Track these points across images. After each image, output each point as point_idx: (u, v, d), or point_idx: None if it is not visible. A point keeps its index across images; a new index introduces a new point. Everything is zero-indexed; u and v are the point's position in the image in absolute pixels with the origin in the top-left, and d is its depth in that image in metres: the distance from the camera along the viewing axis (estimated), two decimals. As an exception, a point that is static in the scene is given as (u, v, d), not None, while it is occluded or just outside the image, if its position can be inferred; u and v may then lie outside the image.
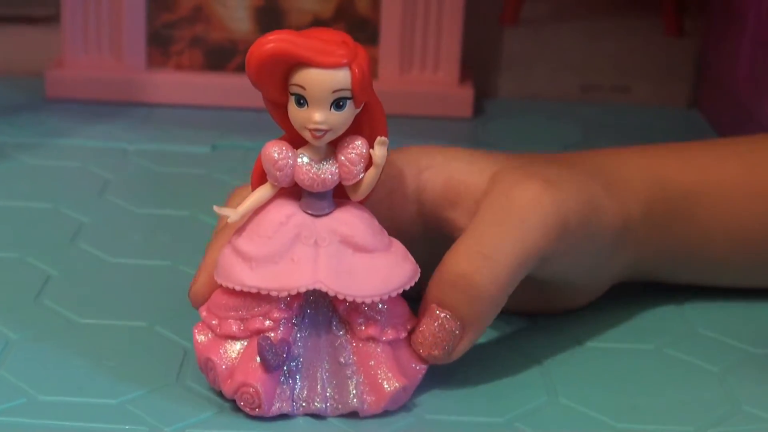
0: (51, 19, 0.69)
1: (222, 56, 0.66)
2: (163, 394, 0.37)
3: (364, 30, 0.65)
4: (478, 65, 0.68)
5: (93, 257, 0.46)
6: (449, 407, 0.37)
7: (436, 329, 0.37)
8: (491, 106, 0.68)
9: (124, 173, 0.56)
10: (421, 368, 0.37)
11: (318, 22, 0.65)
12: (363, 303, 0.36)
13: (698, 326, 0.43)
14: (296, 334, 0.37)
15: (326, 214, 0.37)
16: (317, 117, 0.35)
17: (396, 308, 0.37)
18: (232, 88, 0.65)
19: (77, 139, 0.59)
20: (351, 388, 0.37)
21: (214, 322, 0.37)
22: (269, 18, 0.65)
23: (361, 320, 0.37)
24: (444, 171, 0.41)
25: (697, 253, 0.44)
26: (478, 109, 0.67)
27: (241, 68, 0.66)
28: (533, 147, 0.61)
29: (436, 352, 0.37)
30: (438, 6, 0.65)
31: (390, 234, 0.38)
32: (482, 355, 0.40)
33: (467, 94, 0.66)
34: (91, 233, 0.48)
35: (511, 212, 0.38)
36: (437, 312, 0.37)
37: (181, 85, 0.65)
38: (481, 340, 0.40)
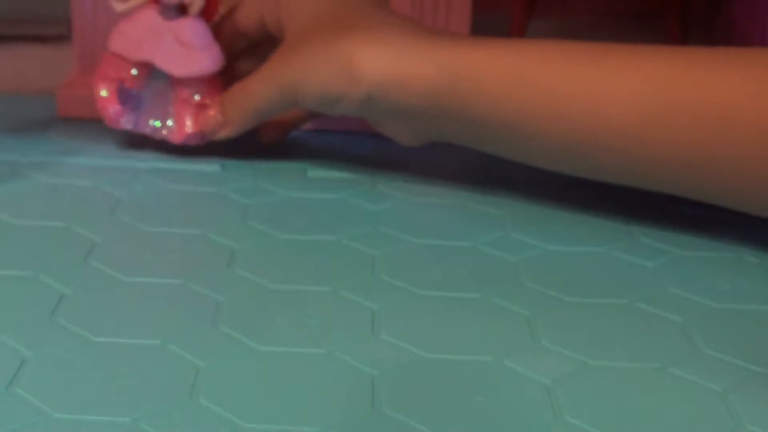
0: (62, 38, 0.70)
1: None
2: (176, 412, 0.37)
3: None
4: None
5: (106, 276, 0.47)
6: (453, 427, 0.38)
7: (213, 116, 0.59)
8: (497, 124, 0.69)
9: (135, 192, 0.56)
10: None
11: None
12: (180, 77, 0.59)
13: (703, 346, 0.44)
14: (145, 86, 0.60)
15: (172, 19, 0.59)
16: None
17: (205, 84, 0.59)
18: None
19: (88, 158, 0.60)
20: (168, 126, 0.60)
21: (103, 69, 0.61)
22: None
23: (182, 87, 0.59)
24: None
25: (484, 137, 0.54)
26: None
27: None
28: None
29: (205, 129, 0.59)
30: (445, 24, 0.66)
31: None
32: (488, 375, 0.41)
33: (473, 113, 0.67)
34: (104, 252, 0.49)
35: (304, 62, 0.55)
36: (218, 107, 0.59)
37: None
38: (487, 358, 0.41)
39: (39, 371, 0.39)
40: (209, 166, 0.60)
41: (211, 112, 0.59)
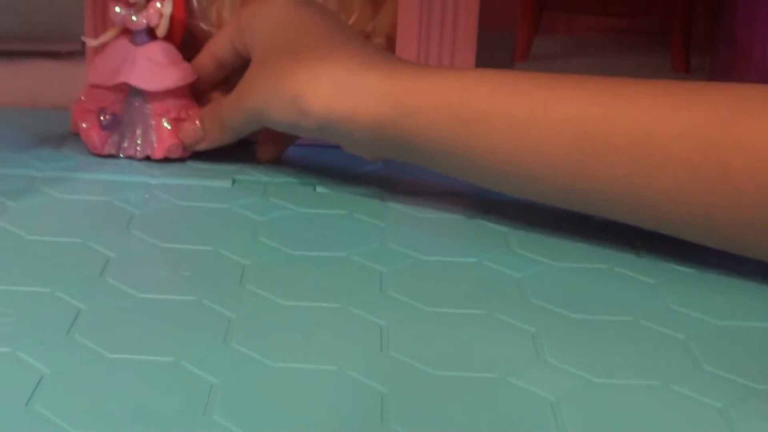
0: (75, 54, 0.71)
1: (241, 91, 0.68)
2: (190, 429, 0.38)
3: (379, 67, 0.67)
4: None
5: (121, 292, 0.48)
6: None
7: (191, 128, 0.63)
8: (503, 139, 0.70)
9: (148, 207, 0.58)
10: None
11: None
12: (155, 92, 0.63)
13: (704, 362, 0.45)
14: (123, 110, 0.64)
15: (143, 44, 0.64)
16: None
17: (179, 100, 0.64)
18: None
19: (102, 173, 0.62)
20: (150, 141, 0.64)
21: (82, 103, 0.65)
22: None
23: (158, 103, 0.63)
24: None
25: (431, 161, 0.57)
26: (490, 142, 0.69)
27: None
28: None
29: (185, 140, 0.63)
30: (451, 43, 0.67)
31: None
32: (493, 392, 0.42)
33: (479, 128, 0.68)
34: (119, 268, 0.50)
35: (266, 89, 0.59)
36: (197, 121, 0.63)
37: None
38: (492, 375, 0.42)
39: (57, 388, 0.40)
40: (220, 182, 0.61)
41: (192, 125, 0.63)
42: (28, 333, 0.44)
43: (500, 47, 0.69)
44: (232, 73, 0.64)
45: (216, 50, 0.64)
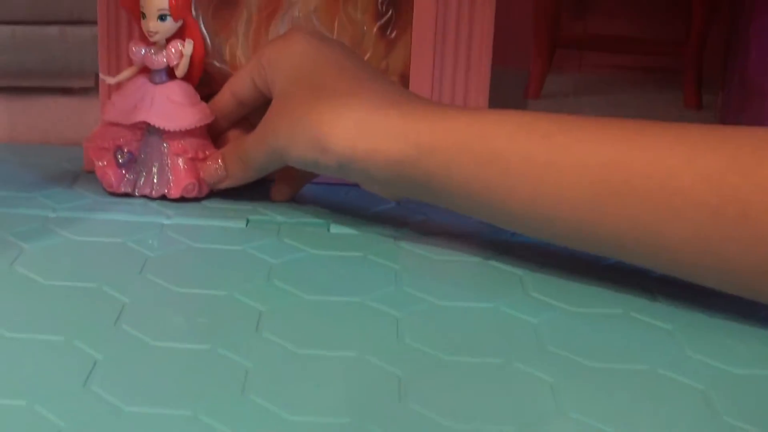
0: (88, 90, 0.71)
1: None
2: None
3: (392, 105, 0.68)
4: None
5: (136, 340, 0.48)
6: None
7: (213, 167, 0.63)
8: (515, 175, 0.70)
9: (162, 249, 0.58)
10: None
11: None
12: (173, 131, 0.63)
13: (723, 413, 0.44)
14: (140, 149, 0.64)
15: (161, 83, 0.64)
16: (150, 26, 0.63)
17: (197, 139, 0.64)
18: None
19: (115, 213, 0.62)
20: (166, 180, 0.64)
21: (97, 141, 0.64)
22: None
23: (175, 142, 0.64)
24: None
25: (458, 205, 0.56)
26: (503, 179, 0.69)
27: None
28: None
29: (208, 180, 0.64)
30: (464, 81, 0.67)
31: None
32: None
33: (492, 166, 0.68)
34: (134, 314, 0.50)
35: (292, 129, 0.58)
36: (219, 160, 0.63)
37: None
38: (510, 428, 0.42)
39: (75, 442, 0.40)
40: (234, 222, 0.61)
41: (214, 164, 0.63)
42: (44, 384, 0.44)
43: (513, 84, 0.69)
44: (252, 112, 0.64)
45: (236, 88, 0.64)
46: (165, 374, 0.46)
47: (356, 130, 0.56)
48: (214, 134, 0.65)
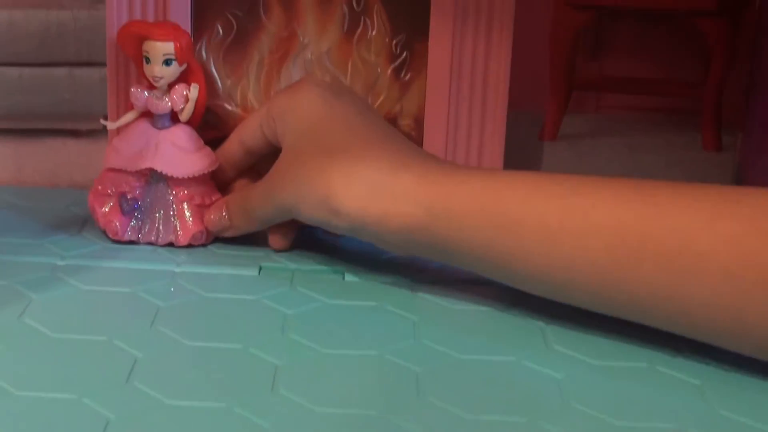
0: (96, 132, 0.70)
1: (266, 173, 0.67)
2: None
3: (407, 148, 0.66)
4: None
5: (149, 398, 0.46)
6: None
7: (218, 216, 0.62)
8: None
9: (173, 299, 0.56)
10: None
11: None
12: (179, 178, 0.62)
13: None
14: (145, 195, 0.63)
15: (165, 128, 0.62)
16: (155, 70, 0.61)
17: (203, 186, 0.63)
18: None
19: (125, 262, 0.60)
20: (172, 228, 0.62)
21: (99, 187, 0.63)
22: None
23: (181, 189, 0.62)
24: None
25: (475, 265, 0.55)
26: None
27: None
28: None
29: (211, 228, 0.63)
30: (480, 123, 0.66)
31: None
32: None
33: (509, 210, 0.66)
34: (147, 370, 0.49)
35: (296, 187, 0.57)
36: (224, 209, 0.62)
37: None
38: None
39: None
40: (246, 270, 0.60)
41: (219, 213, 0.62)
42: (56, 446, 0.43)
43: (528, 126, 0.68)
44: (260, 160, 0.63)
45: (245, 137, 0.63)
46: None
47: (367, 193, 0.55)
48: (220, 182, 0.64)
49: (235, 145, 0.63)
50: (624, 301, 0.51)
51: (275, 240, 0.63)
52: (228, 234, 0.63)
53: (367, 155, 0.56)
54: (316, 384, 0.48)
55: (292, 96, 0.60)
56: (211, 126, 0.65)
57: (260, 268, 0.60)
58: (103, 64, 0.66)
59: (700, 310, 0.49)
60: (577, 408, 0.47)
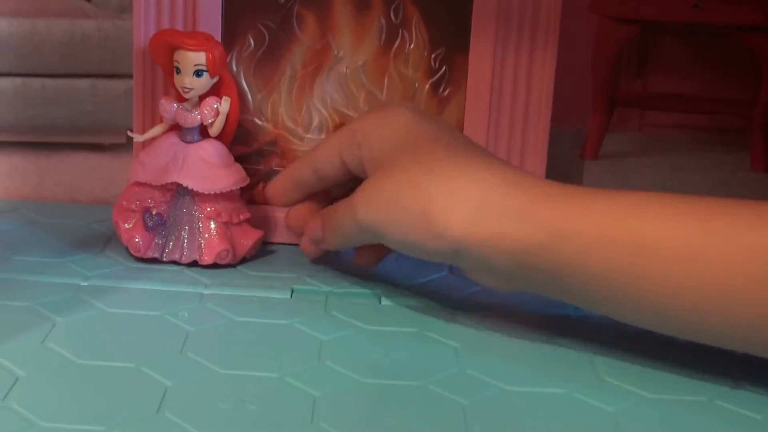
0: (119, 147, 0.68)
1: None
2: None
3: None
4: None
5: (183, 431, 0.44)
6: None
7: (315, 227, 0.58)
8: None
9: (202, 324, 0.53)
10: (246, 244, 0.61)
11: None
12: (206, 194, 0.59)
13: None
14: (170, 211, 0.60)
15: (194, 142, 0.60)
16: (186, 81, 0.59)
17: (231, 203, 0.60)
18: (308, 224, 0.64)
19: (151, 283, 0.58)
20: (197, 246, 0.60)
21: (124, 202, 0.61)
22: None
23: (207, 205, 0.60)
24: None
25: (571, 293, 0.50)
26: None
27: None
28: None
29: (311, 236, 0.58)
30: (521, 142, 0.63)
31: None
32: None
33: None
34: (177, 400, 0.46)
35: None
36: (321, 221, 0.57)
37: (256, 220, 0.63)
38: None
39: None
40: (277, 293, 0.57)
41: (316, 224, 0.58)
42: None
43: (569, 144, 0.66)
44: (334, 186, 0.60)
45: (320, 165, 0.58)
46: (215, 472, 0.41)
47: (474, 212, 0.50)
48: (284, 204, 0.61)
49: (307, 172, 0.59)
50: (761, 327, 0.46)
51: (362, 255, 0.59)
52: (324, 247, 0.58)
53: (472, 172, 0.51)
54: (356, 416, 0.46)
55: (381, 118, 0.56)
56: (239, 141, 0.63)
57: (292, 291, 0.58)
58: (127, 76, 0.64)
59: None
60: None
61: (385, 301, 0.57)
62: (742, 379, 0.50)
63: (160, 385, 0.47)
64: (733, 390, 0.50)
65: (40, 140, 0.68)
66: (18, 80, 0.66)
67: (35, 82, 0.67)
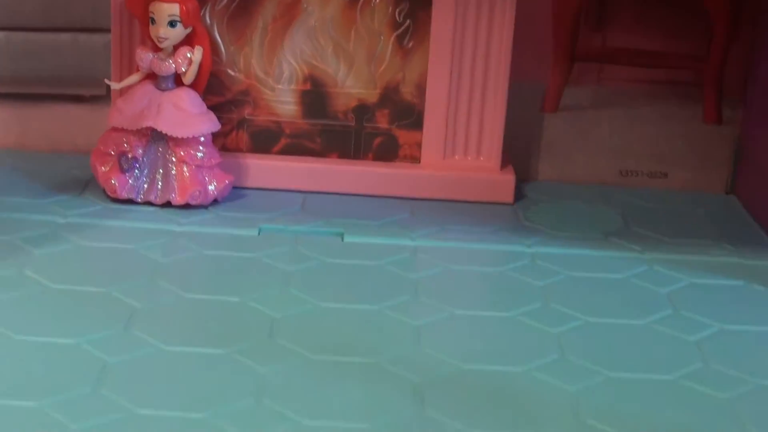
0: (99, 98, 0.70)
1: (268, 139, 0.67)
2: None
3: (408, 116, 0.67)
4: (519, 150, 0.69)
5: (147, 344, 0.47)
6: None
7: None
8: (531, 190, 0.69)
9: (173, 256, 0.56)
10: (217, 186, 0.63)
11: (363, 107, 0.66)
12: (180, 138, 0.62)
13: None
14: (145, 155, 0.63)
15: (168, 90, 0.63)
16: (160, 31, 0.62)
17: (203, 147, 0.63)
18: (278, 171, 0.66)
19: (127, 221, 0.60)
20: (171, 187, 0.63)
21: (101, 147, 0.64)
22: (315, 102, 0.67)
23: (181, 150, 0.63)
24: None
25: None
26: (519, 193, 0.68)
27: (285, 150, 0.67)
28: (573, 231, 0.62)
29: None
30: (481, 93, 0.66)
31: None
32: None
33: (509, 179, 0.67)
34: (144, 319, 0.49)
35: None
36: None
37: (227, 166, 0.66)
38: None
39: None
40: (246, 231, 0.60)
41: None
42: (53, 386, 0.43)
43: (529, 98, 0.68)
44: None
45: None
46: (178, 378, 0.44)
47: None
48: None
49: None
50: None
51: None
52: None
53: None
54: (313, 334, 0.48)
55: None
56: (213, 92, 0.66)
57: (260, 230, 0.61)
58: (107, 30, 0.67)
59: None
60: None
61: (348, 239, 0.60)
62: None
63: (128, 306, 0.50)
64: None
65: (23, 92, 0.70)
66: (1, 34, 0.69)
67: (18, 36, 0.69)
